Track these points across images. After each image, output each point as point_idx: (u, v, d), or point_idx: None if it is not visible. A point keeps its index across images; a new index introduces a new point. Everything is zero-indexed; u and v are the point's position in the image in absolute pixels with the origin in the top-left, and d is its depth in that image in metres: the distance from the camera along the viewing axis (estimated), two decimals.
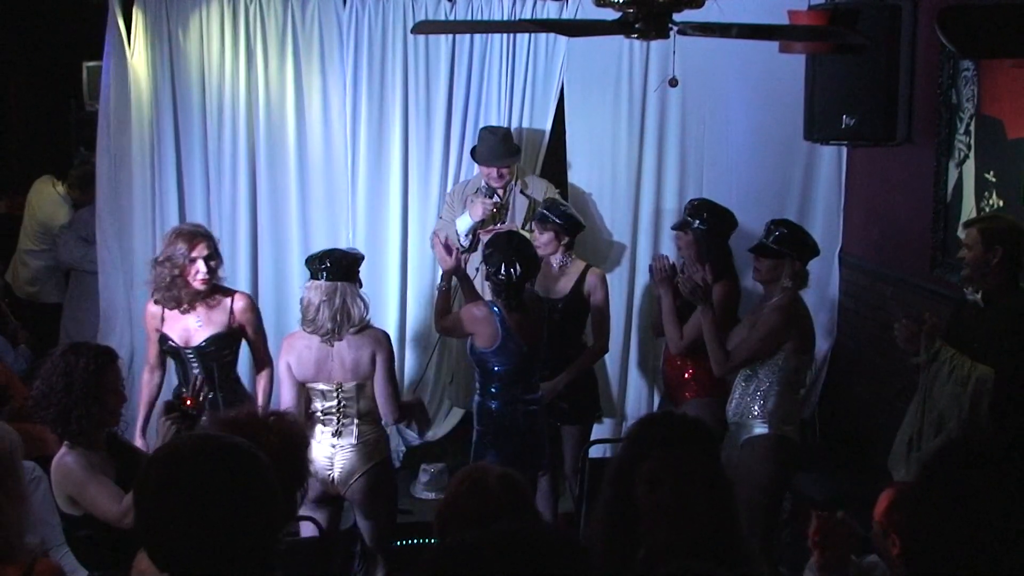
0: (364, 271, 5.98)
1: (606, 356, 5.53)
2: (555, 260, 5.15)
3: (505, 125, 5.83)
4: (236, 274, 5.82)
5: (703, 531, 2.37)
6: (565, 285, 5.14)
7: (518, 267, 4.49)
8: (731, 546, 2.42)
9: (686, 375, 4.97)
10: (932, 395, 3.96)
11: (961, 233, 4.29)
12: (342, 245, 5.97)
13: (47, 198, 7.05)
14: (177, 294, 4.44)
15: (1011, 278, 3.97)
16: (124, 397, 3.55)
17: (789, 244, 4.43)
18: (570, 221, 5.15)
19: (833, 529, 2.89)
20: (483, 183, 5.59)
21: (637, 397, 6.11)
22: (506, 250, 4.54)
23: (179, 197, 5.87)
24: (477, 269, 5.54)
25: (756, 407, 4.41)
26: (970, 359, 3.87)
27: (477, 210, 5.49)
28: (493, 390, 4.61)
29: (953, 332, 4.09)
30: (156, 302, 4.52)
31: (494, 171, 5.53)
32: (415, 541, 4.93)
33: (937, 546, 1.54)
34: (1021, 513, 1.49)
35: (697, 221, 4.98)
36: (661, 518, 2.40)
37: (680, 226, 5.12)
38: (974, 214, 4.78)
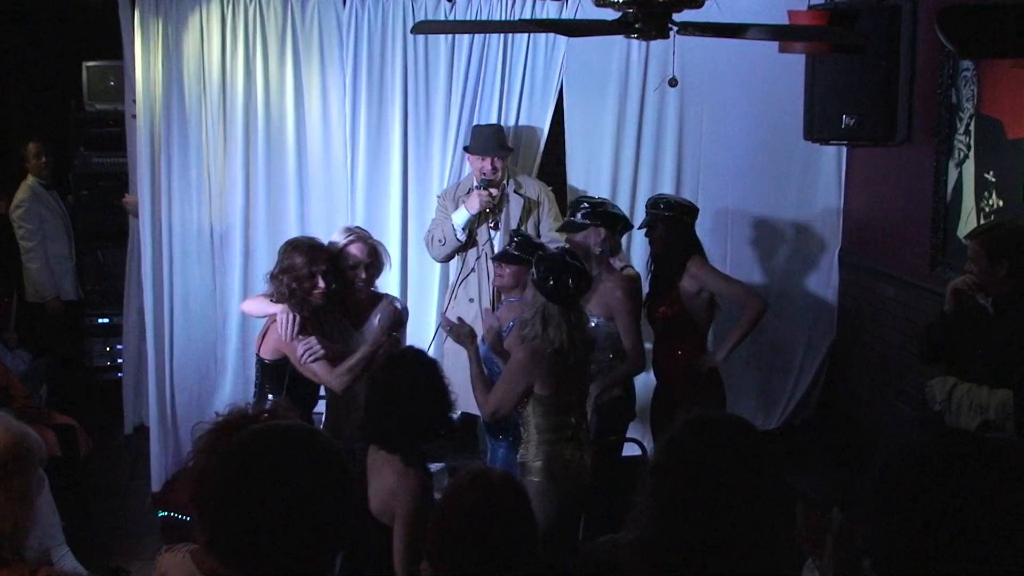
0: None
1: None
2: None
3: (503, 124, 5.83)
4: (233, 274, 5.85)
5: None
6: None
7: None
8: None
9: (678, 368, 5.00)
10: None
11: (963, 239, 4.26)
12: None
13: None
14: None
15: (1021, 285, 3.85)
16: None
17: (595, 215, 4.66)
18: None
19: (823, 528, 2.76)
20: (475, 182, 5.55)
21: (643, 398, 6.09)
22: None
23: (176, 197, 5.86)
24: (472, 268, 5.53)
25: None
26: (988, 387, 3.77)
27: (474, 202, 5.43)
28: None
29: (960, 337, 4.03)
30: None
31: (488, 163, 5.47)
32: None
33: (897, 545, 1.55)
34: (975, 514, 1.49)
35: (662, 205, 4.90)
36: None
37: (645, 223, 4.99)
38: (974, 214, 4.78)
